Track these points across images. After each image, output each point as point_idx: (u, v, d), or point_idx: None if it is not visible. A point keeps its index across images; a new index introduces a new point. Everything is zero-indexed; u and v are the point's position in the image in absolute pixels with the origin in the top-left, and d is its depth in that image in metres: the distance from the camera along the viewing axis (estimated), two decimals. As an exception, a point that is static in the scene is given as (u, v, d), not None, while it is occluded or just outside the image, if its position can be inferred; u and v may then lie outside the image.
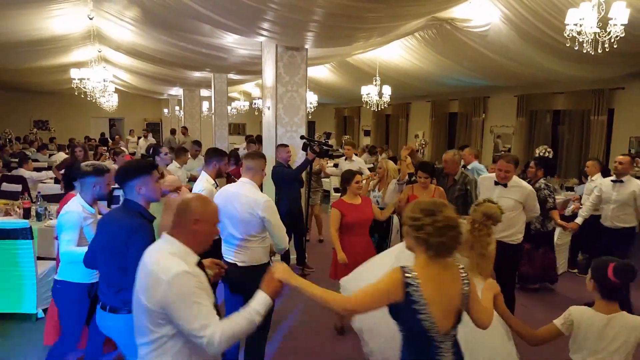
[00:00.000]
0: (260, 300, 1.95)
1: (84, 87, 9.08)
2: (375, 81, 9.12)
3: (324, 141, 6.95)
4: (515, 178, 4.32)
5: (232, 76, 11.81)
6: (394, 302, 1.87)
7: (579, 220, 5.28)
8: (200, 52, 8.09)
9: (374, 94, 9.46)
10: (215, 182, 3.99)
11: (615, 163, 5.22)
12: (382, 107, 9.94)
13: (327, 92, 14.10)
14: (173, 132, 14.90)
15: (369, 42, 6.92)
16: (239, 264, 3.16)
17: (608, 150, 8.93)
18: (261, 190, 3.33)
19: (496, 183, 4.27)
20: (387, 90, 9.43)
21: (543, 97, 10.18)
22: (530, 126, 10.63)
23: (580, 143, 9.66)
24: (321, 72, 11.64)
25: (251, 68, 9.38)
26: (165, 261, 1.85)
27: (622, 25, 4.23)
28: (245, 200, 3.11)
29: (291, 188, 5.79)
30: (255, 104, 16.46)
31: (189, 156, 7.32)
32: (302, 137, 6.15)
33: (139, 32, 7.57)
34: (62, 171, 6.24)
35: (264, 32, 5.73)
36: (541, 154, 8.22)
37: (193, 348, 1.85)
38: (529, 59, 7.33)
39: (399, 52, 8.57)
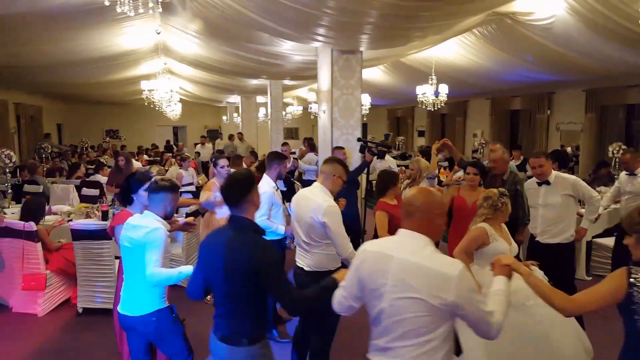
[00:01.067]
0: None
1: (152, 98, 9.63)
2: (431, 80, 8.96)
3: (382, 142, 6.95)
4: (555, 172, 4.14)
5: (286, 82, 12.08)
6: (617, 302, 1.92)
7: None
8: (258, 61, 8.36)
9: (429, 93, 9.30)
10: (276, 185, 4.10)
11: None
12: (441, 106, 9.73)
13: (379, 93, 14.01)
14: (231, 137, 15.42)
15: (425, 41, 6.82)
16: (306, 269, 3.20)
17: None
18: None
19: (539, 184, 4.11)
20: (443, 88, 9.23)
21: (614, 91, 9.52)
22: (600, 122, 9.97)
23: (658, 138, 8.96)
24: (374, 74, 11.61)
25: (305, 73, 9.56)
26: (443, 258, 1.83)
27: None
28: (310, 204, 3.14)
29: (348, 190, 5.81)
30: (310, 107, 16.66)
31: (244, 165, 7.44)
32: (359, 140, 6.16)
33: (201, 43, 7.95)
34: (114, 185, 6.56)
35: (320, 37, 5.83)
36: (615, 151, 7.72)
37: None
38: (597, 51, 6.91)
39: (456, 49, 8.37)
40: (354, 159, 6.32)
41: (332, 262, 3.18)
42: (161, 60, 9.84)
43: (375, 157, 5.76)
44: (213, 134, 20.48)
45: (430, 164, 5.44)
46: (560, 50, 7.13)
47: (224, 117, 21.48)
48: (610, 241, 5.60)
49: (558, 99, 11.09)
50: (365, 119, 18.11)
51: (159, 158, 13.29)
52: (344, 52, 6.30)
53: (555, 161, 5.51)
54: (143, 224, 2.69)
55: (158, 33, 7.10)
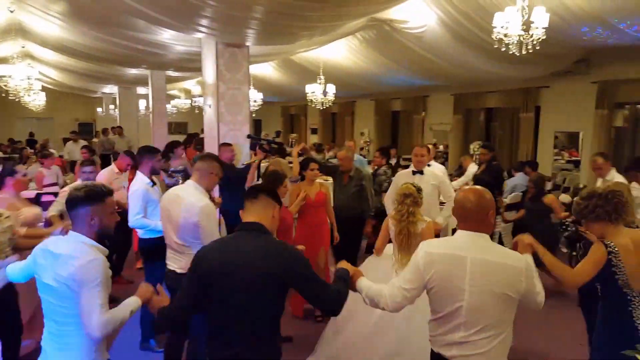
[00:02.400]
0: None
1: (6, 86, 8.45)
2: (320, 80, 9.19)
3: (272, 139, 6.96)
4: (430, 167, 4.92)
5: (171, 73, 11.44)
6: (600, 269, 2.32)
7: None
8: (134, 49, 7.77)
9: (318, 92, 9.53)
10: (152, 181, 3.86)
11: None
12: (328, 106, 10.03)
13: (272, 90, 14.01)
14: (105, 132, 14.13)
15: (312, 40, 6.96)
16: (178, 271, 3.06)
17: (536, 144, 9.56)
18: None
19: (414, 173, 4.67)
20: (331, 89, 9.53)
21: (476, 96, 10.71)
22: (465, 123, 11.16)
23: (510, 139, 10.26)
24: (266, 70, 11.57)
25: (190, 65, 9.14)
26: (511, 252, 2.09)
27: (543, 28, 4.55)
28: (182, 203, 3.01)
29: (238, 190, 5.71)
30: (194, 101, 15.99)
31: (115, 169, 6.60)
32: (249, 136, 6.09)
33: (67, 26, 7.15)
34: None
35: (203, 29, 5.61)
36: (474, 149, 8.66)
37: None
38: (462, 60, 7.67)
39: (342, 52, 8.69)
40: (243, 156, 6.23)
41: None
42: (18, 44, 8.67)
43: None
44: (86, 128, 18.66)
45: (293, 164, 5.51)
46: (431, 57, 7.79)
47: (99, 109, 19.69)
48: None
49: (431, 101, 12.13)
50: (254, 115, 18.03)
51: (17, 155, 11.61)
52: (229, 45, 6.15)
53: (385, 157, 6.86)
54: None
55: (11, 11, 6.23)
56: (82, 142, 13.84)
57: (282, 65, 10.83)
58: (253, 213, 2.15)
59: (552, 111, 9.31)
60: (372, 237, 5.30)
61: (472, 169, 7.21)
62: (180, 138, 17.18)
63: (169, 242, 3.16)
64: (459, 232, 2.11)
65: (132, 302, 2.16)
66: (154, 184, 3.86)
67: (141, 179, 3.80)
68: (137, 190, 3.67)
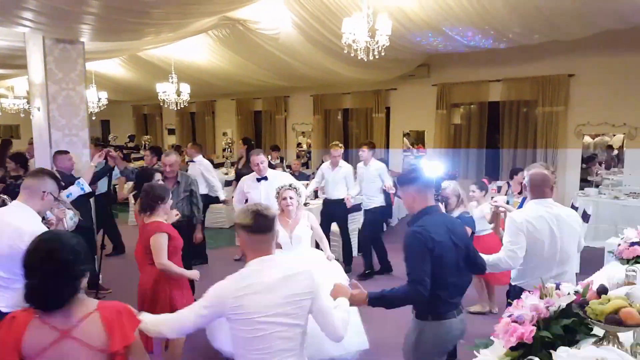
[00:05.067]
0: None
1: None
2: (172, 78, 8.63)
3: (126, 144, 6.35)
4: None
5: (-7, 69, 9.72)
6: None
7: None
8: None
9: (171, 91, 8.95)
10: None
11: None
12: (184, 105, 9.51)
13: (120, 89, 12.83)
14: None
15: (160, 37, 6.47)
16: (4, 310, 2.53)
17: (388, 142, 10.32)
18: None
19: (258, 179, 4.88)
20: (185, 88, 9.03)
21: (334, 97, 11.18)
22: (325, 123, 11.57)
23: (366, 137, 10.90)
24: (110, 67, 10.51)
25: (16, 62, 7.84)
26: None
27: (387, 35, 4.84)
28: (6, 229, 2.54)
29: (80, 201, 5.03)
30: (14, 104, 13.70)
31: None
32: (97, 144, 5.44)
33: None
34: None
35: (26, 23, 4.81)
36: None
37: None
38: (317, 62, 7.89)
39: (195, 50, 8.28)
40: (83, 165, 5.51)
41: None
42: None
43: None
44: None
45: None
46: (288, 59, 7.84)
47: None
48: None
49: (292, 102, 12.32)
50: (105, 116, 16.35)
51: None
52: (60, 41, 5.39)
53: (156, 155, 6.81)
54: None
55: None
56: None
57: (130, 61, 9.96)
58: None
59: (400, 111, 10.14)
60: (202, 243, 5.30)
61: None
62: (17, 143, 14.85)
63: None
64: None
65: None
66: None
67: None
68: None
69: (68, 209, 3.52)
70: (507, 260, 2.81)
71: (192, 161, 7.07)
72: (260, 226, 2.02)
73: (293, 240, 3.87)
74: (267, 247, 2.05)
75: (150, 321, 2.03)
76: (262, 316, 1.92)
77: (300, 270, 2.08)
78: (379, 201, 6.00)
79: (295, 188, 4.00)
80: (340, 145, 6.21)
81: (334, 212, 6.11)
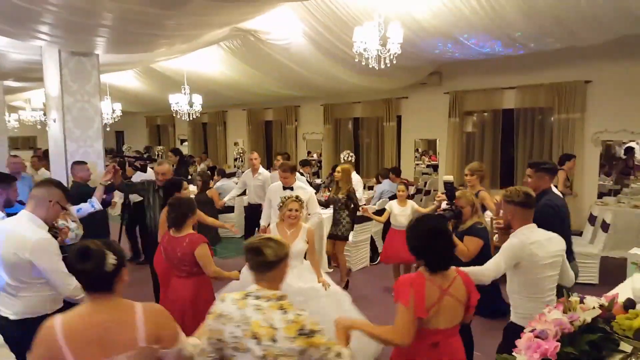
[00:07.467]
0: None
1: None
2: (184, 90, 8.71)
3: (141, 156, 6.42)
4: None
5: (11, 83, 9.93)
6: None
7: None
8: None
9: (183, 102, 9.03)
10: (4, 214, 3.18)
11: None
12: (197, 116, 9.58)
13: (134, 100, 13.00)
14: None
15: (173, 49, 6.53)
16: (12, 317, 2.58)
17: (399, 151, 10.25)
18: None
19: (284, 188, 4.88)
20: (197, 99, 9.10)
21: (344, 106, 11.17)
22: (335, 132, 11.56)
23: (376, 146, 10.86)
24: (125, 80, 10.65)
25: (34, 75, 8.00)
26: None
27: (398, 43, 4.81)
28: (12, 237, 2.56)
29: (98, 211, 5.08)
30: (32, 116, 13.95)
31: None
32: (115, 155, 5.49)
33: None
34: None
35: (43, 36, 4.90)
36: (345, 158, 8.96)
37: None
38: (328, 72, 7.88)
39: (207, 61, 8.35)
40: (97, 174, 5.55)
41: (50, 304, 2.64)
42: None
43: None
44: None
45: None
46: (298, 69, 7.86)
47: None
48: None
49: (303, 111, 12.33)
50: (119, 127, 16.57)
51: None
52: (75, 54, 5.47)
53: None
54: None
55: None
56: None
57: (144, 74, 10.08)
58: None
59: (411, 120, 10.08)
60: None
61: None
62: (26, 154, 15.15)
63: (1, 285, 2.63)
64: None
65: None
66: None
67: None
68: None
69: (73, 221, 3.53)
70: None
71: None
72: None
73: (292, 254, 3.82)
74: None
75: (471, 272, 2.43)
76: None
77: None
78: None
79: (301, 201, 3.98)
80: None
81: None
